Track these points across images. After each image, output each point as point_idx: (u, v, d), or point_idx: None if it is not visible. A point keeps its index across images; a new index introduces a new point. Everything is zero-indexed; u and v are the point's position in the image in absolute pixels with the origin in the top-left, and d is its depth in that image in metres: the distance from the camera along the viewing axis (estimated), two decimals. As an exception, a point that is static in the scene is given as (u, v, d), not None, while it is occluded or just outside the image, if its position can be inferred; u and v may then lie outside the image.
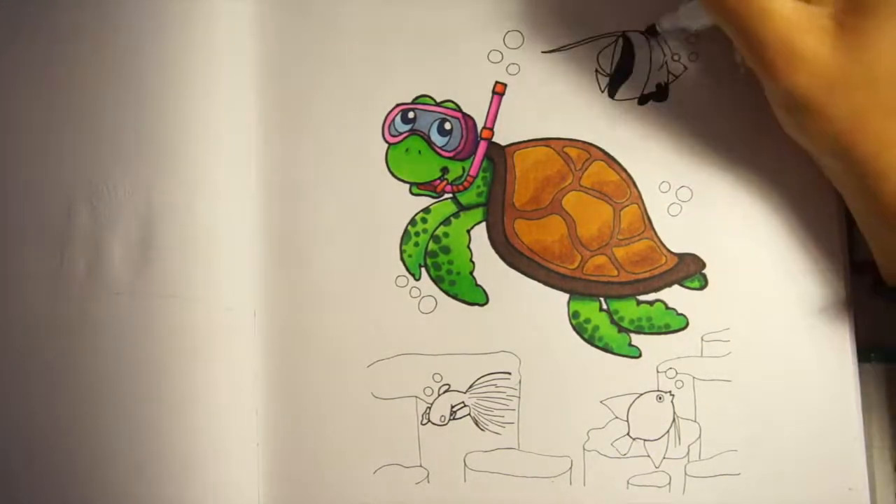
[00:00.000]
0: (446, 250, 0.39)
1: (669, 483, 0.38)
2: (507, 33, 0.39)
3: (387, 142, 0.39)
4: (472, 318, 0.38)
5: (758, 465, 0.37)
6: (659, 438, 0.38)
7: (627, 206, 0.38)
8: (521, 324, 0.38)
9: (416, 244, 0.39)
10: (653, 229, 0.38)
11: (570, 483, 0.38)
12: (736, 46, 0.32)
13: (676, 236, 0.38)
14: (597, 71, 0.39)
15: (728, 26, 0.31)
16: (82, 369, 0.38)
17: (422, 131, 0.39)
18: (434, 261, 0.39)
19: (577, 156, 0.39)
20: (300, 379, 0.39)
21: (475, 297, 0.39)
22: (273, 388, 0.39)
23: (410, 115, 0.39)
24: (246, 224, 0.39)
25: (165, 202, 0.38)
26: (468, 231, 0.39)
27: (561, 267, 0.38)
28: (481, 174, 0.39)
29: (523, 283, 0.38)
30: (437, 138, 0.39)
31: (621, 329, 0.38)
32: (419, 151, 0.39)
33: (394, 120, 0.39)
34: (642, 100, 0.39)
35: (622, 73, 0.39)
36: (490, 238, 0.39)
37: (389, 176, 0.39)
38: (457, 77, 0.39)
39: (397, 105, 0.39)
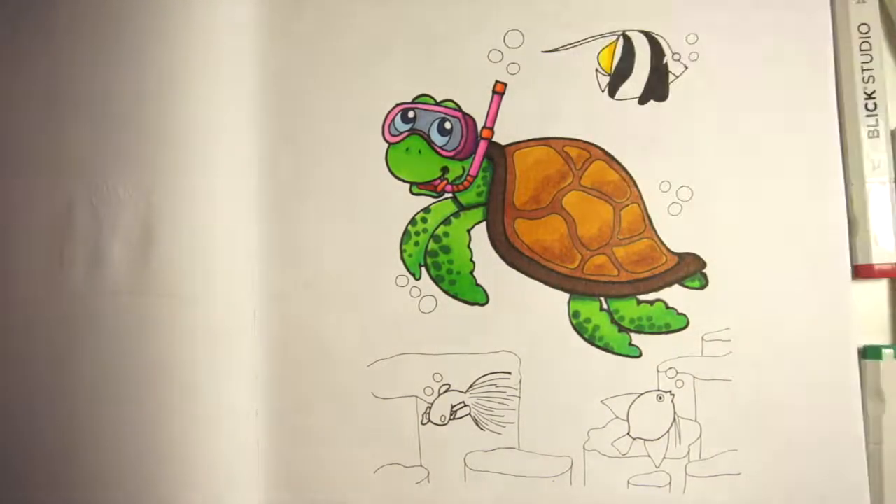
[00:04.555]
0: (446, 250, 0.39)
1: (669, 483, 0.38)
2: (507, 33, 0.39)
3: (387, 141, 0.39)
4: (472, 317, 0.38)
5: (758, 465, 0.37)
6: (659, 438, 0.38)
7: (628, 205, 0.38)
8: (521, 324, 0.38)
9: (417, 244, 0.39)
10: (653, 229, 0.38)
11: (570, 483, 0.38)
12: None
13: (676, 236, 0.38)
14: (597, 71, 0.39)
15: None
16: (83, 368, 0.38)
17: (422, 131, 0.39)
18: (434, 260, 0.39)
19: (578, 155, 0.39)
20: (300, 379, 0.39)
21: (475, 296, 0.39)
22: (273, 388, 0.39)
23: (410, 114, 0.39)
24: (246, 224, 0.39)
25: (165, 202, 0.38)
26: (468, 231, 0.39)
27: (561, 266, 0.38)
28: (481, 174, 0.39)
29: (523, 283, 0.38)
30: (437, 138, 0.39)
31: (621, 329, 0.38)
32: (419, 151, 0.39)
33: (394, 119, 0.39)
34: (642, 100, 0.39)
35: (622, 73, 0.39)
36: (490, 238, 0.39)
37: (389, 175, 0.39)
38: (457, 76, 0.39)
39: (397, 104, 0.39)
